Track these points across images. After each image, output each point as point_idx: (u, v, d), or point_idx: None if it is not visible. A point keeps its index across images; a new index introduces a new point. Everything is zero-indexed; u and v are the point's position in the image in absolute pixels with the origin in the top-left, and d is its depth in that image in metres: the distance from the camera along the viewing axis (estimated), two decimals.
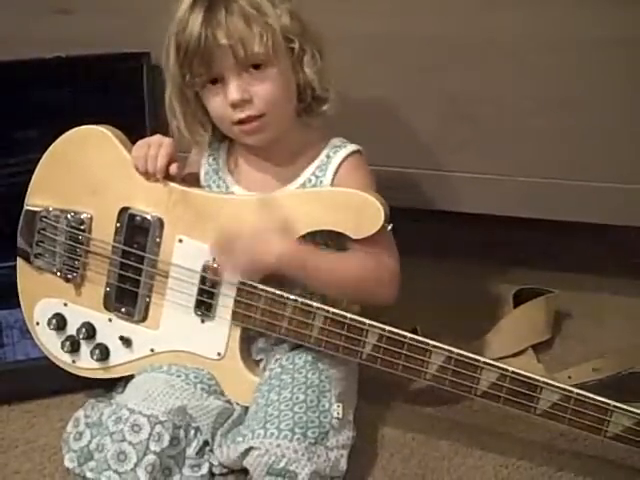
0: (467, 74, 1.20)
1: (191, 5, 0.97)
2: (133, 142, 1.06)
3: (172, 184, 1.04)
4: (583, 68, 1.17)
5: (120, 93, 1.32)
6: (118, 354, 1.08)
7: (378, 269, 1.00)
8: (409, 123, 1.26)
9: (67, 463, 0.99)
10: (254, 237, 0.98)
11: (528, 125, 1.21)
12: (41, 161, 1.10)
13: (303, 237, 0.99)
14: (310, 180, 1.04)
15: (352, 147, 1.06)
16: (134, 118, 1.30)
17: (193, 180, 1.10)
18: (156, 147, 1.03)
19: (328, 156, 1.05)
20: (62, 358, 1.10)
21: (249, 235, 0.98)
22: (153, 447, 0.94)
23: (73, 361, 1.10)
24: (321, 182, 1.04)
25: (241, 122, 1.00)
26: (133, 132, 1.08)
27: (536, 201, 1.26)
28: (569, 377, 1.15)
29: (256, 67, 0.98)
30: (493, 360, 0.96)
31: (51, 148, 1.09)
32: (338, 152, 1.05)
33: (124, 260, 1.05)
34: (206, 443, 0.98)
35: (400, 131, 1.26)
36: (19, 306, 1.13)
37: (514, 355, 1.24)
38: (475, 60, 1.19)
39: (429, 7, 1.18)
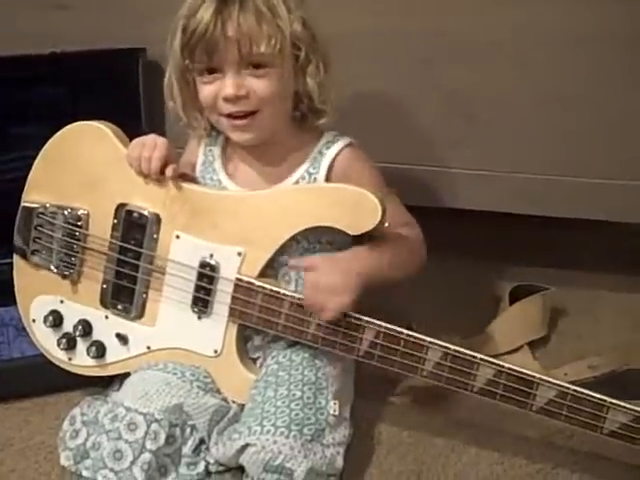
0: (465, 70, 1.20)
1: None
2: (129, 137, 1.06)
3: (169, 180, 1.03)
4: (582, 65, 1.17)
5: (116, 89, 1.31)
6: (114, 351, 1.07)
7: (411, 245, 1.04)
8: (406, 119, 1.26)
9: (63, 461, 0.99)
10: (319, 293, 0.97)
11: (526, 122, 1.22)
12: (37, 157, 1.09)
13: (300, 235, 0.99)
14: (304, 177, 1.04)
15: (344, 141, 1.05)
16: (130, 114, 1.30)
17: (189, 176, 1.09)
18: (150, 149, 1.02)
19: (320, 152, 1.04)
20: (58, 355, 1.10)
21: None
22: (149, 445, 0.94)
23: (69, 359, 1.10)
24: (314, 179, 1.04)
25: (231, 115, 1.00)
26: (129, 128, 1.08)
27: (533, 198, 1.26)
28: (565, 374, 1.15)
29: (257, 66, 0.97)
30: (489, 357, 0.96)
31: (47, 144, 1.09)
32: (330, 147, 1.04)
33: (121, 256, 1.05)
34: (202, 441, 0.98)
35: (397, 127, 1.26)
36: (14, 304, 1.13)
37: (510, 352, 1.24)
38: (473, 56, 1.19)
39: (428, 3, 1.18)
